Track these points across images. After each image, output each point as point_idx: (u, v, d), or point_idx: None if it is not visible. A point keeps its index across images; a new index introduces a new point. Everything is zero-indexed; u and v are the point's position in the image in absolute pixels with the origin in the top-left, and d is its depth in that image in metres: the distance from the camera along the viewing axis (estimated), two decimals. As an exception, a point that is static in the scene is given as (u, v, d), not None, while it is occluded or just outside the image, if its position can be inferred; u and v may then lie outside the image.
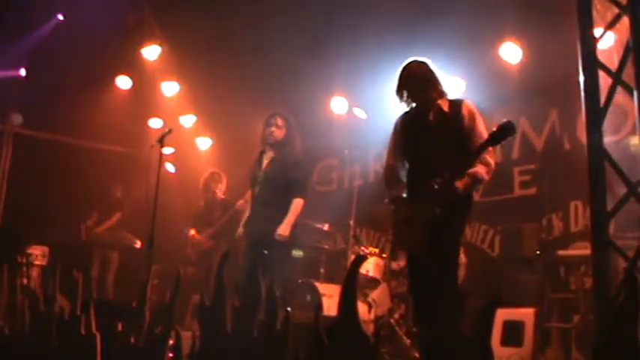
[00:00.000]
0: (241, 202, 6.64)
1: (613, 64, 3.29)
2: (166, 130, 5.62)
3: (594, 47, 3.33)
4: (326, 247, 6.69)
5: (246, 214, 5.50)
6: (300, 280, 6.02)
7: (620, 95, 3.25)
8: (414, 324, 5.04)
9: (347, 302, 2.10)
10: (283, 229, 5.08)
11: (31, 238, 7.31)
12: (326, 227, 6.68)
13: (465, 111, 3.91)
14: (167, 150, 6.15)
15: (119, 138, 9.28)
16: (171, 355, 2.52)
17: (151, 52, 8.17)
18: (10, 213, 8.42)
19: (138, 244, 7.99)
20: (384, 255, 6.14)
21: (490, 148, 3.82)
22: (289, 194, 5.21)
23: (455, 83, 5.98)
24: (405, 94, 4.02)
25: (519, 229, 6.14)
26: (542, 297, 5.30)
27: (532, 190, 6.50)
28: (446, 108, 3.97)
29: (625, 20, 3.26)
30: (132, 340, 2.66)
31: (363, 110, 7.32)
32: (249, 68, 7.61)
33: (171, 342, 2.53)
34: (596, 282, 3.16)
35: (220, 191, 7.33)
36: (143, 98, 8.78)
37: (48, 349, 2.98)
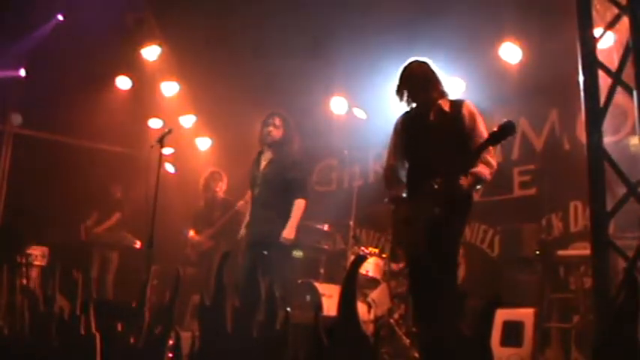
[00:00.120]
0: (241, 202, 6.64)
1: (613, 64, 3.29)
2: (166, 130, 5.62)
3: (594, 47, 3.33)
4: (326, 247, 6.68)
5: (247, 215, 5.50)
6: (299, 281, 6.02)
7: (619, 95, 3.25)
8: (413, 324, 5.04)
9: (347, 302, 2.10)
10: (288, 233, 5.08)
11: (30, 239, 7.31)
12: (326, 227, 6.68)
13: (465, 111, 3.92)
14: (167, 150, 6.14)
15: (119, 138, 9.29)
16: (170, 355, 2.52)
17: (151, 52, 8.17)
18: (10, 213, 8.42)
19: (137, 245, 7.99)
20: (384, 255, 6.14)
21: (491, 149, 3.83)
22: (289, 195, 5.20)
23: (455, 83, 5.97)
24: (406, 93, 4.02)
25: (519, 229, 6.14)
26: (541, 297, 5.30)
27: (532, 191, 6.50)
28: (447, 108, 3.97)
29: (625, 20, 3.26)
30: (131, 340, 2.66)
31: (363, 110, 7.32)
32: (248, 68, 7.61)
33: (170, 342, 2.53)
34: (596, 282, 3.16)
35: (221, 190, 7.32)
36: (143, 98, 8.78)
37: (48, 350, 2.98)
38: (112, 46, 7.77)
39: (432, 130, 3.95)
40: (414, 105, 4.06)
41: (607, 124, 3.25)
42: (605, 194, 3.19)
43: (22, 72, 8.44)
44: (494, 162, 3.86)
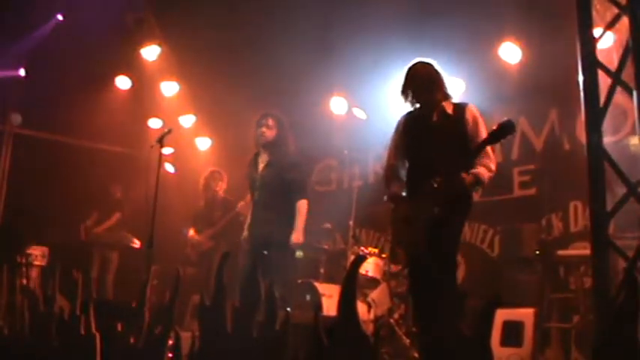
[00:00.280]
0: (242, 204, 6.64)
1: (613, 64, 3.28)
2: (166, 130, 5.63)
3: (594, 47, 3.32)
4: (326, 247, 6.68)
5: (248, 217, 5.51)
6: (299, 280, 6.02)
7: (619, 95, 3.25)
8: (413, 324, 5.04)
9: (346, 302, 2.10)
10: (297, 237, 5.13)
11: (30, 239, 7.31)
12: (328, 225, 6.70)
13: (469, 115, 3.92)
14: (167, 150, 6.15)
15: (119, 138, 9.28)
16: (170, 355, 2.52)
17: (151, 52, 8.17)
18: (10, 213, 8.42)
19: (137, 245, 7.99)
20: (384, 255, 6.14)
21: (491, 155, 3.85)
22: (289, 196, 5.22)
23: (455, 83, 5.97)
24: (410, 94, 4.03)
25: (519, 229, 6.14)
26: (541, 297, 5.30)
27: (532, 191, 6.50)
28: (450, 110, 3.97)
29: (625, 20, 3.26)
30: (131, 340, 2.66)
31: (363, 110, 7.31)
32: (248, 68, 7.61)
33: (170, 342, 2.53)
34: (596, 282, 3.16)
35: (221, 189, 7.32)
36: (143, 98, 8.78)
37: (48, 350, 2.98)
38: (111, 46, 7.77)
39: (434, 132, 3.95)
40: (417, 105, 4.06)
41: (607, 124, 3.25)
42: (605, 194, 3.18)
43: (22, 72, 8.45)
44: (493, 167, 3.86)
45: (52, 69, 7.94)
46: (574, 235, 6.11)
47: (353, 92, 7.48)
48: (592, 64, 3.29)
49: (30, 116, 8.61)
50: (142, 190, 6.08)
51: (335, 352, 2.03)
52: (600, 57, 3.32)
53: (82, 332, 2.78)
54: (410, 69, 4.05)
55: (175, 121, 8.35)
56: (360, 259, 2.73)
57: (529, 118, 6.69)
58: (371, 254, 6.09)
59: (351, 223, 6.36)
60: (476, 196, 4.28)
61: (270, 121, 5.32)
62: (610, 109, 3.24)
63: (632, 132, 4.99)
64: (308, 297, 5.80)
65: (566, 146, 6.39)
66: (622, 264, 3.22)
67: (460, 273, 6.18)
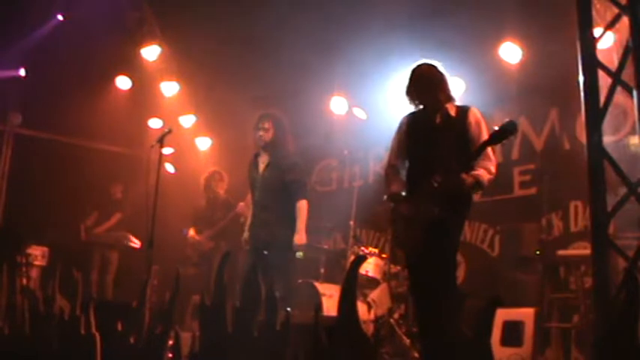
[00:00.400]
0: (242, 204, 6.64)
1: (613, 64, 3.28)
2: (166, 130, 5.63)
3: (594, 47, 3.32)
4: (326, 247, 6.69)
5: (249, 217, 5.52)
6: (300, 280, 6.02)
7: (619, 95, 3.25)
8: (414, 324, 5.04)
9: (347, 302, 2.10)
10: (300, 238, 5.15)
11: (30, 239, 7.31)
12: (328, 225, 6.70)
13: (471, 118, 3.92)
14: (167, 150, 6.15)
15: (119, 138, 9.28)
16: (170, 355, 2.52)
17: (151, 52, 8.17)
18: (9, 213, 8.42)
19: (137, 245, 7.99)
20: (384, 255, 6.14)
21: (492, 157, 3.84)
22: (289, 197, 5.24)
23: (455, 83, 5.97)
24: (414, 94, 4.03)
25: (519, 229, 6.14)
26: (542, 297, 5.30)
27: (532, 190, 6.50)
28: (453, 113, 3.97)
29: (625, 20, 3.26)
30: (132, 340, 2.66)
31: (363, 110, 7.31)
32: (248, 68, 7.61)
33: (170, 342, 2.53)
34: (596, 282, 3.15)
35: (222, 190, 7.32)
36: (143, 98, 8.77)
37: (48, 350, 2.98)
38: (111, 46, 7.77)
39: (436, 133, 3.95)
40: (420, 106, 4.06)
41: (607, 124, 3.25)
42: (605, 194, 3.18)
43: (22, 72, 8.44)
44: (493, 169, 3.86)
45: (52, 69, 7.94)
46: (574, 234, 6.11)
47: (353, 92, 7.48)
48: (592, 64, 3.29)
49: (30, 116, 8.61)
50: (142, 191, 6.06)
51: (335, 352, 2.03)
52: (600, 57, 3.32)
53: (82, 332, 2.78)
54: (414, 70, 4.05)
55: (175, 121, 8.35)
56: (360, 259, 2.73)
57: (529, 118, 6.69)
58: (371, 254, 6.09)
59: (351, 223, 6.36)
60: (476, 196, 4.27)
61: (267, 124, 5.34)
62: (610, 109, 3.24)
63: (632, 132, 4.99)
64: (308, 297, 5.79)
65: (567, 146, 6.39)
66: (622, 264, 3.22)
67: (460, 273, 6.19)
